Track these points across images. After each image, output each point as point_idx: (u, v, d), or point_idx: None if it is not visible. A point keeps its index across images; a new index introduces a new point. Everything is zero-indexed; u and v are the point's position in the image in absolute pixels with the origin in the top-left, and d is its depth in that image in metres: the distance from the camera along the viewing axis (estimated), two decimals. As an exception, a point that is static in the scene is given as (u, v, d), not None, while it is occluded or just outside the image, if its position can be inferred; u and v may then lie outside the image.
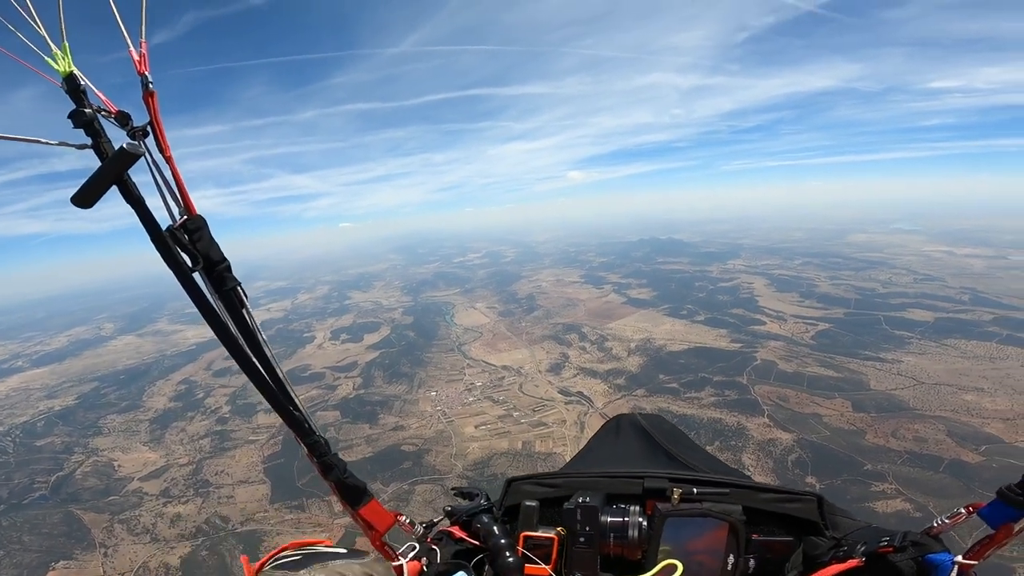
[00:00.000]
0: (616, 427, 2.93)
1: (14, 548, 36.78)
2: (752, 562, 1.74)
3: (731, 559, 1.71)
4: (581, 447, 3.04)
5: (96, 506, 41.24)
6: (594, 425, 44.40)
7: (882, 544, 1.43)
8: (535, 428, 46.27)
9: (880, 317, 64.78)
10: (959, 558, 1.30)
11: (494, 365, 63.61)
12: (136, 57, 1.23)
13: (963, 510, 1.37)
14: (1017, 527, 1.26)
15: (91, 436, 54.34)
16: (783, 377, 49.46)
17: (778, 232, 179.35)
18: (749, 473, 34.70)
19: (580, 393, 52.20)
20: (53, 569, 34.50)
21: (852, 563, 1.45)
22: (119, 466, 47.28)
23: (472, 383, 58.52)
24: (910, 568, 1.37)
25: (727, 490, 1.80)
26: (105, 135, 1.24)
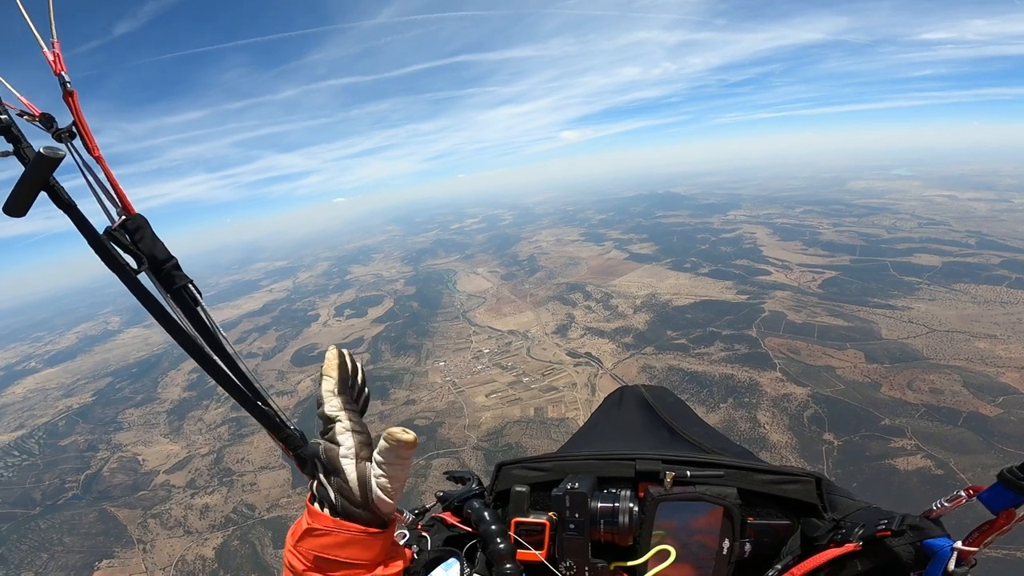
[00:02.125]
0: (619, 400, 2.89)
1: (57, 550, 37.38)
2: (748, 546, 1.69)
3: (726, 544, 1.66)
4: (587, 418, 2.99)
5: (128, 502, 41.96)
6: (605, 387, 44.71)
7: (880, 527, 1.36)
8: (546, 393, 46.11)
9: (887, 263, 64.46)
10: (959, 544, 1.22)
11: (500, 330, 63.64)
12: (51, 58, 1.18)
13: (963, 493, 1.28)
14: (1019, 513, 1.18)
15: (112, 432, 54.84)
16: (793, 328, 49.30)
17: (776, 181, 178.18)
18: (765, 432, 35.21)
19: (588, 354, 52.08)
20: (98, 568, 35.14)
21: (849, 547, 1.39)
22: (144, 460, 47.88)
23: (480, 350, 58.51)
24: (908, 553, 1.31)
25: (721, 472, 1.76)
26: (25, 140, 1.15)
